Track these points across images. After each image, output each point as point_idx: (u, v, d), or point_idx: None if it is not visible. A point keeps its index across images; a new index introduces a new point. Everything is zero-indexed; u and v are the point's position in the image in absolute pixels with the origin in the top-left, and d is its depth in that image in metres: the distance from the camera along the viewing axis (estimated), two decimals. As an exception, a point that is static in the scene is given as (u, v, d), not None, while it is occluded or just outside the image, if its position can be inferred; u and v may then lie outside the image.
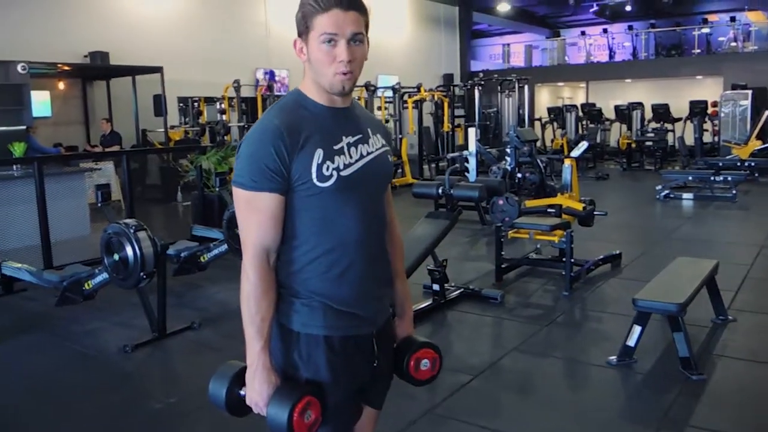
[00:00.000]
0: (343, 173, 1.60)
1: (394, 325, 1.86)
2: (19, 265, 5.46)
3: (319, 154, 1.57)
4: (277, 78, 14.75)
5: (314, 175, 1.56)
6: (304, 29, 1.59)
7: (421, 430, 3.14)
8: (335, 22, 1.55)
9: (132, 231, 4.16)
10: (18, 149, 7.98)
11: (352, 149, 1.64)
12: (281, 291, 1.64)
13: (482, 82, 16.17)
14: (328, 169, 1.58)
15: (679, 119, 15.74)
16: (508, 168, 8.46)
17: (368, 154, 1.67)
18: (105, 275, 4.53)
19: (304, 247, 1.62)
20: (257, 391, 1.58)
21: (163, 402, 3.48)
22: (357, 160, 1.64)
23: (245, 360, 1.61)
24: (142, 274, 4.16)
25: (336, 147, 1.61)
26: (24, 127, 9.22)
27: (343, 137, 1.64)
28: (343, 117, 1.67)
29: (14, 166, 7.45)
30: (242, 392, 1.62)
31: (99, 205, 4.71)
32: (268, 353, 1.59)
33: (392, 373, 1.85)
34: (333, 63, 1.57)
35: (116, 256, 4.23)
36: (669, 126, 15.81)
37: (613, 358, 3.85)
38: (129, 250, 4.15)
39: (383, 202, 1.77)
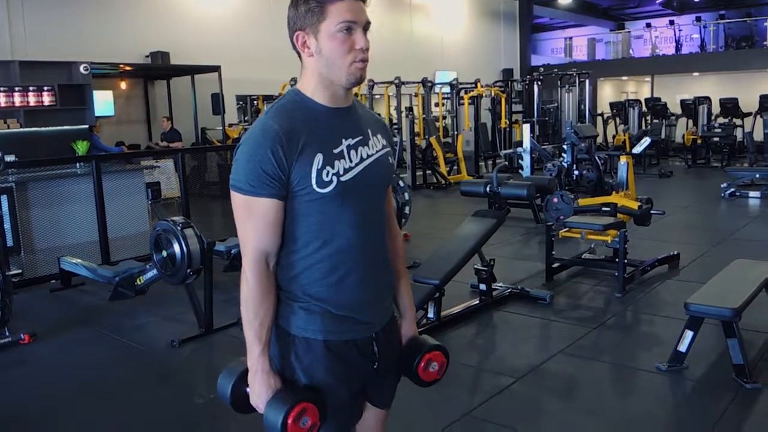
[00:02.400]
0: (343, 178, 1.56)
1: (397, 325, 1.83)
2: (77, 260, 5.65)
3: (318, 159, 1.54)
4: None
5: (314, 181, 1.53)
6: (312, 21, 1.53)
7: (457, 434, 3.09)
8: (351, 9, 1.52)
9: (179, 228, 4.24)
10: (81, 147, 8.29)
11: (352, 152, 1.60)
12: (280, 294, 1.62)
13: (541, 77, 15.87)
14: (327, 174, 1.54)
15: (748, 114, 15.05)
16: (564, 165, 8.27)
17: (368, 156, 1.63)
18: (155, 271, 4.64)
19: (303, 251, 1.59)
20: (257, 394, 1.59)
21: (205, 398, 3.54)
22: (357, 164, 1.60)
23: None
24: (188, 270, 4.24)
25: (336, 151, 1.57)
26: (87, 126, 9.56)
27: (343, 140, 1.59)
28: (344, 117, 1.63)
29: (77, 164, 7.73)
30: (248, 390, 1.63)
31: (149, 202, 4.82)
32: (267, 357, 1.59)
33: (398, 374, 1.83)
34: (351, 52, 1.54)
35: (164, 253, 4.33)
36: (737, 121, 15.15)
37: (664, 364, 3.70)
38: (176, 247, 4.23)
39: (384, 204, 1.73)
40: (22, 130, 8.85)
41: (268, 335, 1.59)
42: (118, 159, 8.92)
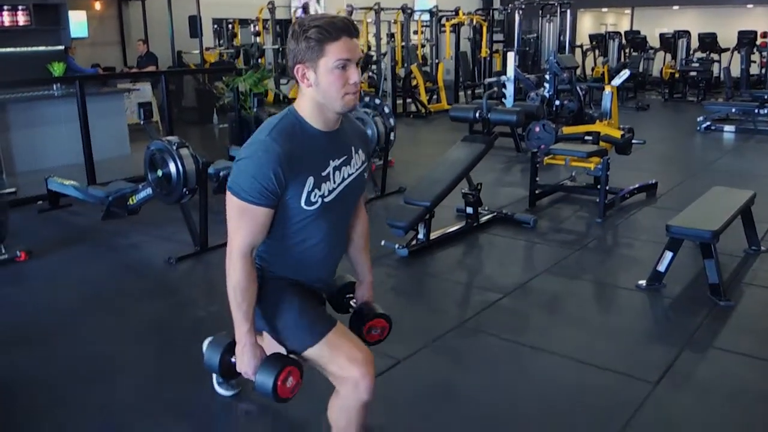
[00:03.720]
0: (326, 199, 1.86)
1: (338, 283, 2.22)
2: (65, 180, 5.64)
3: (309, 182, 1.81)
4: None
5: (303, 201, 1.81)
6: (312, 56, 1.73)
7: (450, 342, 3.27)
8: (347, 49, 1.73)
9: (175, 148, 4.27)
10: (57, 69, 8.10)
11: (336, 173, 1.88)
12: (259, 263, 1.94)
13: (523, 6, 15.67)
14: (315, 196, 1.83)
15: (726, 50, 15.16)
16: (546, 95, 8.35)
17: (349, 176, 1.92)
18: (149, 191, 4.68)
19: (281, 244, 1.90)
20: (246, 364, 1.89)
21: (206, 310, 3.67)
22: (339, 184, 1.89)
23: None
24: (184, 189, 4.30)
25: (323, 173, 1.84)
26: (62, 47, 9.30)
27: (330, 161, 1.86)
28: (333, 139, 1.87)
29: (54, 86, 7.58)
30: (233, 359, 1.97)
31: (141, 122, 4.81)
32: (254, 333, 1.89)
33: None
34: (345, 85, 1.75)
35: (160, 172, 4.37)
36: (715, 56, 15.27)
37: (643, 282, 3.91)
38: (172, 166, 4.27)
39: (352, 209, 2.05)
40: (-4, 50, 8.60)
41: (253, 315, 1.87)
42: (99, 80, 8.73)
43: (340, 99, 1.76)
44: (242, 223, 1.78)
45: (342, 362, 1.86)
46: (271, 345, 2.00)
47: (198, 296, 4.00)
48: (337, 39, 1.71)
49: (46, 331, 3.46)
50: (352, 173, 1.92)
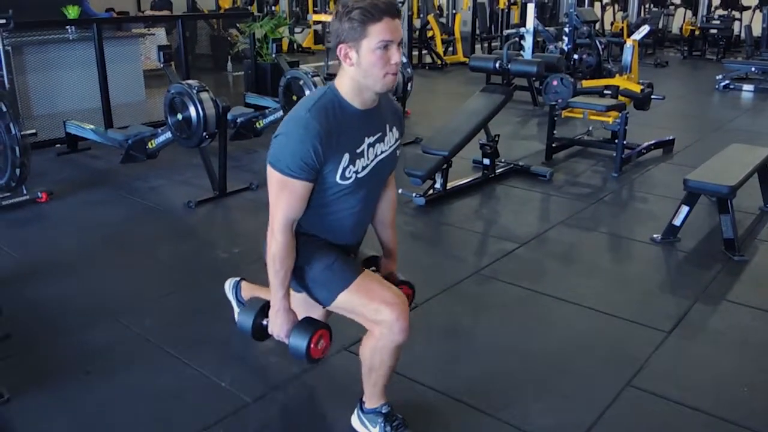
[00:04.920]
0: (360, 175, 1.94)
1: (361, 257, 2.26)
2: (84, 124, 5.67)
3: (345, 158, 1.88)
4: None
5: (338, 176, 1.90)
6: (355, 37, 1.77)
7: (467, 288, 3.34)
8: (389, 30, 1.78)
9: (195, 91, 4.29)
10: (72, 12, 8.03)
11: (370, 150, 1.95)
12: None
13: (542, -42, 15.33)
14: (349, 172, 1.91)
15: (748, 8, 14.83)
16: (565, 48, 8.25)
17: (382, 153, 1.99)
18: (168, 134, 4.71)
19: (317, 213, 1.97)
20: (279, 327, 2.03)
21: (229, 252, 3.74)
22: (372, 160, 1.96)
23: None
24: (204, 133, 4.33)
25: (358, 150, 1.91)
26: (77, -10, 9.19)
27: (365, 138, 1.93)
28: (369, 117, 1.93)
29: (69, 30, 7.52)
30: (264, 322, 2.13)
31: (161, 64, 4.82)
32: (289, 298, 2.01)
33: None
34: (386, 65, 1.80)
35: (179, 116, 4.39)
36: (737, 14, 14.95)
37: (658, 236, 3.94)
38: (192, 110, 4.29)
39: (383, 184, 2.13)
40: (11, -9, 8.50)
41: (289, 282, 1.98)
42: (114, 24, 8.66)
43: (381, 79, 1.81)
44: (283, 196, 1.86)
45: (376, 305, 1.91)
46: (302, 311, 2.11)
47: (218, 239, 4.06)
48: (379, 20, 1.75)
49: (70, 267, 3.55)
50: (385, 150, 2.00)
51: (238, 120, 5.65)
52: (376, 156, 1.97)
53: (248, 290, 2.64)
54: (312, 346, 1.99)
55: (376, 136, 1.95)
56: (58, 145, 5.93)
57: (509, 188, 4.94)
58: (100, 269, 3.55)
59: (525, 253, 3.78)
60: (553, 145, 5.71)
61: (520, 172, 5.20)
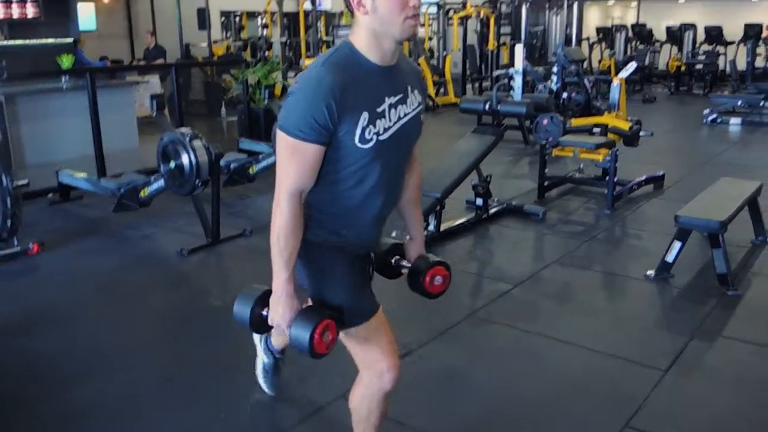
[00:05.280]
0: (381, 137, 1.72)
1: (383, 248, 2.09)
2: (76, 173, 5.68)
3: (364, 117, 1.68)
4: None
5: (357, 138, 1.69)
6: None
7: (462, 331, 3.32)
8: None
9: (188, 139, 4.31)
10: (66, 61, 8.14)
11: (392, 111, 1.74)
12: (310, 217, 1.81)
13: None
14: (369, 133, 1.70)
15: (732, 42, 15.14)
16: (554, 88, 8.35)
17: (405, 115, 1.78)
18: (161, 183, 4.72)
19: (336, 188, 1.77)
20: (280, 315, 1.79)
21: (222, 299, 3.71)
22: (395, 123, 1.75)
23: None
24: (197, 181, 4.34)
25: (379, 110, 1.71)
26: (71, 40, 9.33)
27: (386, 98, 1.73)
28: (389, 75, 1.75)
29: (63, 79, 7.60)
30: (264, 312, 1.85)
31: (154, 114, 4.86)
32: (293, 282, 1.78)
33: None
34: (404, 9, 1.64)
35: (172, 164, 4.41)
36: (721, 49, 15.24)
37: (651, 272, 3.95)
38: (185, 158, 4.31)
39: (408, 154, 1.91)
40: (6, 43, 8.62)
41: (294, 264, 1.77)
42: (108, 73, 8.77)
43: (401, 23, 1.64)
44: (292, 162, 1.69)
45: (375, 351, 1.87)
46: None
47: (211, 287, 4.04)
48: None
49: (62, 319, 3.52)
50: (408, 113, 1.79)
51: (232, 166, 5.66)
52: (399, 118, 1.76)
53: (280, 338, 2.47)
54: (316, 337, 1.73)
55: (397, 97, 1.75)
56: (51, 195, 5.92)
57: (503, 228, 4.95)
58: (92, 320, 3.52)
59: (520, 294, 3.77)
60: (545, 183, 5.75)
61: (514, 212, 5.22)
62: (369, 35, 1.69)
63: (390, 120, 1.74)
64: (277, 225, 1.72)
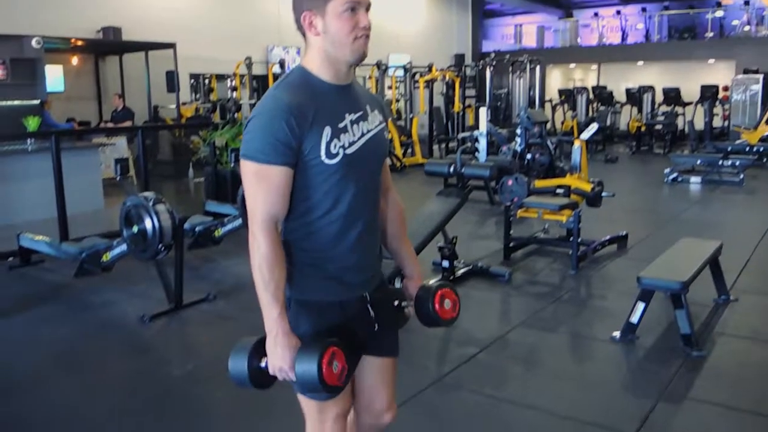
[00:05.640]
0: (348, 151, 1.69)
1: (388, 288, 1.96)
2: (37, 236, 5.58)
3: (327, 132, 1.65)
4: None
5: (323, 153, 1.65)
6: (319, 2, 1.64)
7: (428, 399, 3.26)
8: None
9: (151, 203, 4.27)
10: (32, 123, 8.09)
11: (355, 127, 1.72)
12: (287, 252, 1.72)
13: (494, 63, 16.15)
14: (335, 147, 1.67)
15: (689, 103, 15.72)
16: (518, 149, 8.52)
17: (368, 131, 1.76)
18: (123, 247, 4.65)
19: (308, 216, 1.71)
20: (280, 356, 1.63)
21: (183, 369, 3.62)
22: (359, 138, 1.72)
23: (263, 329, 1.67)
24: (160, 245, 4.28)
25: (340, 125, 1.69)
26: (38, 102, 9.33)
27: (346, 115, 1.71)
28: (346, 94, 1.74)
29: (28, 141, 7.56)
30: (262, 364, 1.67)
31: (118, 178, 4.82)
32: (286, 318, 1.65)
33: (396, 326, 1.95)
34: (354, 29, 1.65)
35: (135, 228, 4.35)
36: (679, 110, 15.80)
37: (617, 334, 3.95)
38: (148, 222, 4.26)
39: (380, 175, 1.86)
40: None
41: (283, 297, 1.66)
42: (72, 136, 8.73)
43: (351, 44, 1.66)
44: (260, 190, 1.63)
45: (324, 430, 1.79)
46: None
47: (172, 355, 3.94)
48: None
49: (15, 390, 3.39)
50: (371, 129, 1.76)
51: (197, 229, 5.63)
52: (363, 134, 1.73)
53: None
54: (324, 366, 1.55)
55: (357, 114, 1.73)
56: (11, 259, 5.79)
57: (469, 290, 4.94)
58: (46, 392, 3.38)
59: (487, 358, 3.74)
60: (511, 244, 5.79)
61: (480, 273, 5.23)
62: (321, 56, 1.69)
63: (354, 135, 1.71)
64: (256, 258, 1.63)
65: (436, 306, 1.88)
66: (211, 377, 3.44)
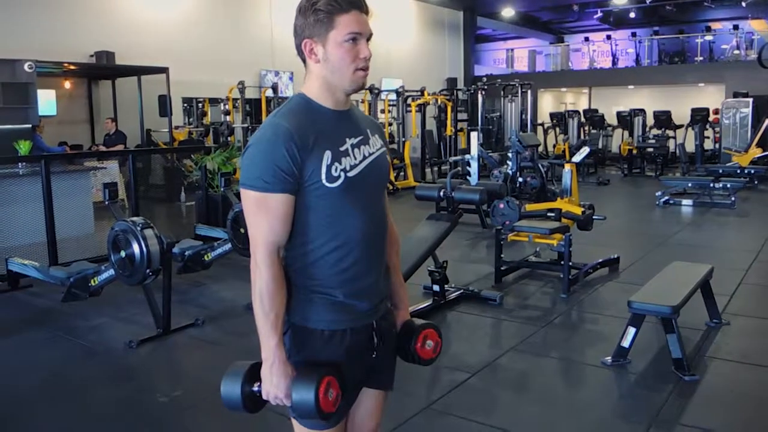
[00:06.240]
0: (349, 174, 1.67)
1: (392, 316, 1.92)
2: (26, 261, 5.55)
3: (327, 155, 1.64)
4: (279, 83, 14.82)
5: (324, 176, 1.63)
6: (321, 30, 1.64)
7: (418, 426, 3.22)
8: (358, 22, 1.65)
9: (139, 228, 4.25)
10: (24, 147, 8.07)
11: (356, 150, 1.71)
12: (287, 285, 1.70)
13: (485, 87, 16.26)
14: (336, 170, 1.65)
15: (680, 126, 15.85)
16: (510, 172, 8.55)
17: (370, 155, 1.75)
18: (111, 272, 4.61)
19: (313, 243, 1.68)
20: (275, 385, 1.63)
21: (169, 395, 3.57)
22: (361, 161, 1.71)
23: (251, 355, 1.65)
24: (148, 271, 4.25)
25: (341, 149, 1.68)
26: (30, 126, 9.31)
27: (347, 139, 1.71)
28: (346, 119, 1.74)
29: (19, 165, 7.53)
30: (255, 388, 1.68)
31: (106, 202, 4.80)
32: (283, 347, 1.65)
33: (395, 356, 1.93)
34: (354, 60, 1.66)
35: (123, 253, 4.32)
36: (670, 133, 15.93)
37: (608, 358, 3.93)
38: (136, 248, 4.23)
39: (384, 199, 1.84)
40: (-37, 129, 8.56)
41: (282, 326, 1.65)
42: (64, 160, 8.71)
43: (351, 75, 1.67)
44: (260, 218, 1.62)
45: None
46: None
47: (158, 381, 3.88)
48: (347, 11, 1.64)
49: (2, 417, 3.33)
50: (373, 152, 1.75)
51: (186, 253, 5.58)
52: (364, 157, 1.72)
53: None
54: (321, 395, 1.59)
55: (358, 138, 1.73)
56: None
57: (460, 314, 4.92)
58: (30, 420, 3.33)
59: (477, 383, 3.70)
60: (502, 268, 5.78)
61: (471, 297, 5.20)
62: (321, 83, 1.70)
63: (355, 158, 1.70)
64: (257, 287, 1.62)
65: (418, 345, 1.89)
66: (198, 402, 3.39)
